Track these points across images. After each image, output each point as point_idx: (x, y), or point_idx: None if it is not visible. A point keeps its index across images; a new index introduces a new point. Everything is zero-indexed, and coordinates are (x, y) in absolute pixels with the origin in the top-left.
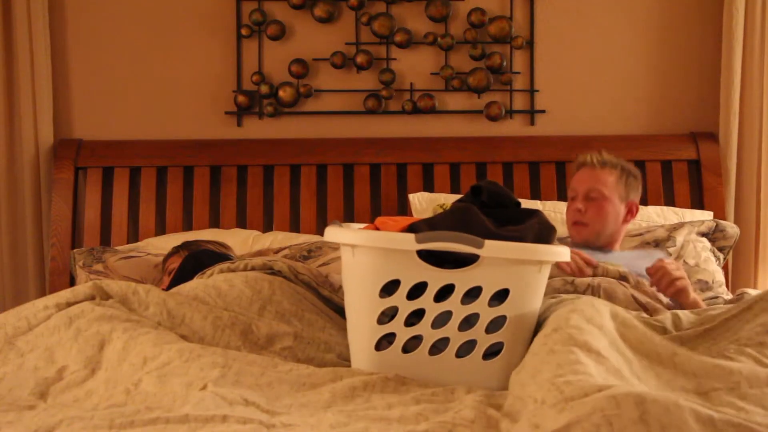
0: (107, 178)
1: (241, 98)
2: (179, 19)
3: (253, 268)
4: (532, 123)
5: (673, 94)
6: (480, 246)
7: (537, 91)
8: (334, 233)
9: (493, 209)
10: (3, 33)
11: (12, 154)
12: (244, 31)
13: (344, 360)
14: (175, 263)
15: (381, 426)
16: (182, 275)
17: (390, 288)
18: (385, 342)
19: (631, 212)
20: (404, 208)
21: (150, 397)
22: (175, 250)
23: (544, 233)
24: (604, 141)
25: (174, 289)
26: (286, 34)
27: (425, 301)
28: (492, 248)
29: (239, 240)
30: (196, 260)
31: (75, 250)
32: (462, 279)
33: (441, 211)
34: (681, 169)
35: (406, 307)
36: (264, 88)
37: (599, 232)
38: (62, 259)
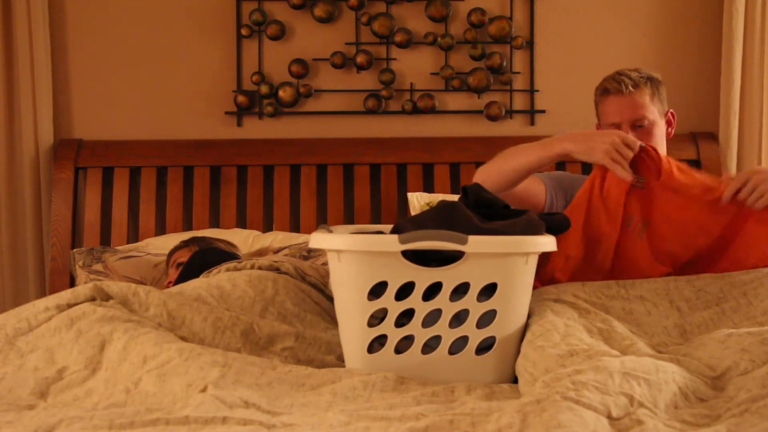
0: (107, 178)
1: (241, 98)
2: (179, 19)
3: (259, 268)
4: (532, 123)
5: (673, 94)
6: (464, 242)
7: (537, 91)
8: (318, 240)
9: (484, 209)
10: (3, 33)
11: (12, 154)
12: (244, 31)
13: (344, 362)
14: (183, 257)
15: (382, 425)
16: (188, 271)
17: (378, 290)
18: (377, 344)
19: (670, 123)
20: (404, 208)
21: (150, 397)
22: (184, 244)
23: (532, 227)
24: None
25: (177, 288)
26: (286, 34)
27: (414, 300)
28: (475, 244)
29: (239, 240)
30: (203, 258)
31: (75, 250)
32: (449, 276)
33: (428, 208)
34: None
35: (395, 309)
36: (264, 88)
37: None
38: (62, 259)
